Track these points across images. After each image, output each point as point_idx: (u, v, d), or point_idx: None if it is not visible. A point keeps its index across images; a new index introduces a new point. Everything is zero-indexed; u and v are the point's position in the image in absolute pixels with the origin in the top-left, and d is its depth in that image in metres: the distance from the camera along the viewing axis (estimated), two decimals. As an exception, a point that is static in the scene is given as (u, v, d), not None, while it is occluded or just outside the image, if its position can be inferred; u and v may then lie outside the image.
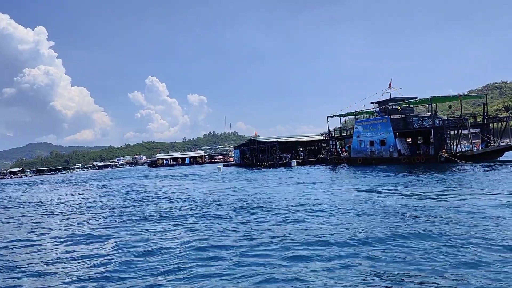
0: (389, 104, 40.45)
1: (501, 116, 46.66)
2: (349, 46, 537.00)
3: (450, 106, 40.59)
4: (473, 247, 7.54)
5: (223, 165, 77.50)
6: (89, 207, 20.00)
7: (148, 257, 8.80)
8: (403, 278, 6.22)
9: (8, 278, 8.12)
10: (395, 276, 6.34)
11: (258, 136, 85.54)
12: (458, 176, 21.29)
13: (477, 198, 13.13)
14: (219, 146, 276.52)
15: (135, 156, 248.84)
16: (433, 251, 7.45)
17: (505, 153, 32.30)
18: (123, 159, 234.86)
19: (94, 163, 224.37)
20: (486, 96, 39.07)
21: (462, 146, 32.40)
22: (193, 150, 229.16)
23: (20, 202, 27.43)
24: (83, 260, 9.02)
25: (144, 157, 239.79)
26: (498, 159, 31.64)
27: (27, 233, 13.43)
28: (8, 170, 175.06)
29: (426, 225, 9.62)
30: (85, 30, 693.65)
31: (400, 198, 14.67)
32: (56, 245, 11.10)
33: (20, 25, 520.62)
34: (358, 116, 47.14)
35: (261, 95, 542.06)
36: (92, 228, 13.23)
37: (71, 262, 9.02)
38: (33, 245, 11.25)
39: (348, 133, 48.61)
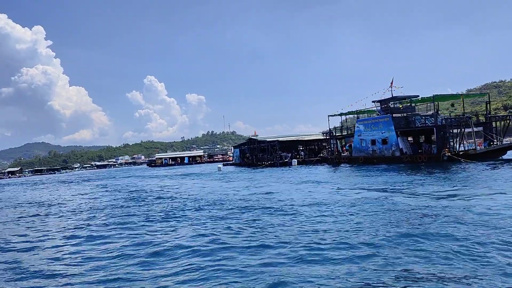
0: (390, 102, 40.25)
1: (504, 114, 46.49)
2: (347, 45, 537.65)
3: (452, 105, 40.42)
4: (492, 249, 7.31)
5: (223, 164, 77.28)
6: (92, 207, 19.70)
7: (155, 258, 8.56)
8: (424, 281, 5.97)
9: (13, 280, 7.86)
10: (415, 278, 6.10)
11: (257, 135, 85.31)
12: (463, 175, 21.08)
13: (488, 198, 12.89)
14: (218, 146, 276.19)
15: (134, 156, 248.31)
16: (451, 252, 7.21)
17: (508, 151, 32.15)
18: (122, 159, 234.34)
19: (93, 163, 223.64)
20: (488, 94, 38.93)
21: (464, 145, 32.24)
22: (192, 149, 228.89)
23: (21, 202, 27.12)
24: (87, 262, 8.76)
25: (142, 157, 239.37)
26: (501, 157, 31.50)
27: (30, 234, 13.15)
28: (6, 170, 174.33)
29: (442, 225, 9.34)
30: (83, 30, 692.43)
31: (409, 197, 14.43)
32: (61, 246, 10.82)
33: (18, 24, 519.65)
34: (360, 115, 46.93)
35: (260, 94, 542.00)
36: (96, 229, 12.95)
37: (76, 263, 8.75)
38: (37, 246, 10.98)
39: (349, 132, 48.46)
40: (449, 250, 7.32)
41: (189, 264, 7.87)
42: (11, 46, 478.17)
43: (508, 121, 33.12)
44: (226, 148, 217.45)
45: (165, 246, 9.59)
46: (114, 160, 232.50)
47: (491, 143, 32.35)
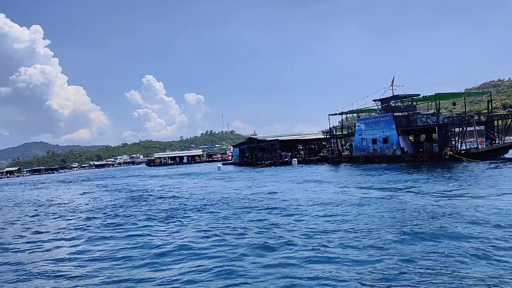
0: (391, 101, 40.12)
1: (503, 113, 46.43)
2: (345, 44, 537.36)
3: (454, 103, 40.32)
4: (509, 250, 7.16)
5: (222, 164, 77.11)
6: (94, 208, 19.48)
7: (160, 259, 8.39)
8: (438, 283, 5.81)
9: (19, 281, 7.69)
10: (429, 280, 5.94)
11: (256, 135, 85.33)
12: (468, 174, 20.97)
13: (497, 198, 12.76)
14: (217, 145, 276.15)
15: (132, 155, 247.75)
16: (467, 255, 7.05)
17: (510, 150, 32.05)
18: (120, 158, 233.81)
19: (91, 163, 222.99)
20: (490, 93, 38.86)
21: (465, 144, 32.14)
22: (191, 149, 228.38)
23: (22, 202, 26.89)
24: (91, 262, 8.56)
25: (141, 156, 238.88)
26: (503, 156, 31.41)
27: (32, 235, 12.94)
28: (4, 170, 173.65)
29: (454, 226, 9.17)
30: (81, 29, 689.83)
31: (416, 197, 14.28)
32: (63, 247, 10.62)
33: (16, 24, 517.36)
34: (360, 113, 46.81)
35: (259, 93, 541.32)
36: (99, 230, 12.73)
37: (78, 263, 8.56)
38: (39, 247, 10.79)
39: (350, 131, 48.35)
40: (465, 252, 7.16)
41: (196, 266, 7.70)
42: (9, 45, 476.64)
43: (510, 120, 33.01)
44: (225, 147, 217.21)
45: (170, 247, 9.41)
46: (112, 159, 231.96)
47: (493, 142, 32.26)
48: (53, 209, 20.44)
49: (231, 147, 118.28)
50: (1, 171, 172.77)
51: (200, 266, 7.67)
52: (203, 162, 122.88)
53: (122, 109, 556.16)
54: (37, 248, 10.79)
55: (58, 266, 8.70)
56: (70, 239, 11.58)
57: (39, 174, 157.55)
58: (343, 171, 32.20)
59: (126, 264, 8.25)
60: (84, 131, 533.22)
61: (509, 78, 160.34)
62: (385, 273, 6.43)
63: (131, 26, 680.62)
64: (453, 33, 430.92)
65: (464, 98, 36.68)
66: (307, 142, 62.26)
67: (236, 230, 10.72)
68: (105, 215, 16.12)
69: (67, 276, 7.84)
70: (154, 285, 6.80)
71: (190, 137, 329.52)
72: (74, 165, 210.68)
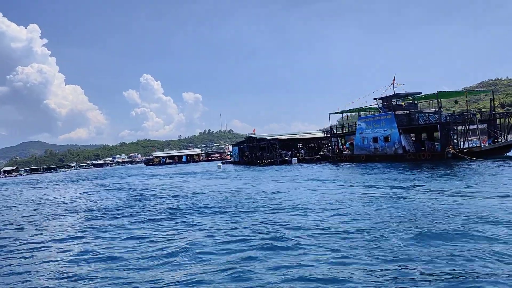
0: (393, 100, 39.95)
1: (502, 111, 46.36)
2: (344, 43, 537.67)
3: (456, 101, 40.20)
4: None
5: (222, 163, 76.90)
6: (97, 208, 19.21)
7: (168, 259, 8.18)
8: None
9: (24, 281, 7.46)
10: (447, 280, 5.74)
11: (254, 134, 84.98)
12: (473, 173, 20.81)
13: (507, 198, 12.58)
14: (215, 144, 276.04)
15: (130, 155, 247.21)
16: (483, 253, 6.87)
17: (512, 148, 31.94)
18: (118, 158, 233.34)
19: (89, 162, 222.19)
20: (492, 91, 38.76)
21: (467, 142, 31.98)
22: (189, 148, 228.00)
23: (22, 203, 26.60)
24: (94, 263, 8.34)
25: (139, 156, 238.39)
26: (505, 154, 31.29)
27: (34, 234, 12.68)
28: (2, 169, 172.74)
29: (472, 225, 8.95)
30: (79, 28, 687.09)
31: (424, 196, 14.07)
32: (65, 246, 10.38)
33: (13, 23, 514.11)
34: (361, 112, 46.65)
35: (257, 92, 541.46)
36: (102, 230, 12.49)
37: (81, 264, 8.34)
38: (41, 246, 10.55)
39: (350, 130, 48.19)
40: (490, 255, 6.96)
41: (202, 267, 7.47)
42: (6, 44, 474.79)
43: (512, 118, 32.88)
44: (223, 146, 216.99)
45: (175, 247, 9.20)
46: (110, 159, 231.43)
47: (495, 140, 32.14)
48: (53, 209, 20.17)
49: (230, 146, 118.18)
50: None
51: (207, 267, 7.46)
52: (201, 161, 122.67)
53: (120, 108, 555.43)
54: (37, 248, 10.55)
55: (58, 266, 8.51)
56: (70, 240, 11.34)
57: (37, 173, 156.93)
58: (345, 170, 32.02)
59: (131, 265, 8.02)
60: (82, 131, 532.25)
61: (507, 77, 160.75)
62: (402, 276, 6.23)
63: (129, 25, 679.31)
64: (452, 32, 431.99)
65: (466, 96, 36.56)
66: (307, 141, 62.09)
67: (243, 230, 10.48)
68: (107, 215, 15.86)
69: (67, 276, 7.69)
70: (164, 286, 6.59)
71: (188, 136, 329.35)
72: (72, 165, 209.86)
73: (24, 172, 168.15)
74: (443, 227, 8.91)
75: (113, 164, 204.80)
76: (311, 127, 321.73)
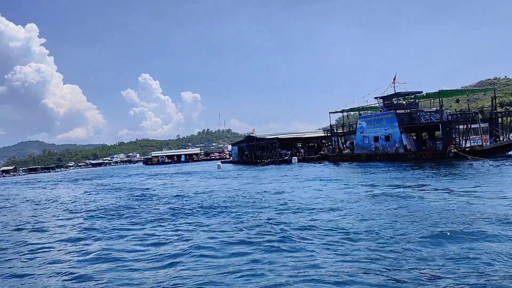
0: (394, 99, 39.80)
1: (501, 111, 46.27)
2: (344, 42, 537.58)
3: (457, 100, 40.10)
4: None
5: (221, 162, 76.70)
6: (98, 208, 18.96)
7: (171, 260, 7.99)
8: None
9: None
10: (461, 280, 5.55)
11: (253, 133, 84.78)
12: (475, 172, 20.66)
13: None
14: (214, 144, 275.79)
15: (129, 154, 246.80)
16: (495, 255, 6.68)
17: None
18: (117, 157, 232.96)
19: (88, 162, 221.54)
20: (494, 90, 38.65)
21: (469, 141, 31.87)
22: (187, 147, 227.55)
23: (21, 202, 26.32)
24: (97, 263, 8.13)
25: (138, 155, 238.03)
26: (507, 153, 31.20)
27: (34, 235, 12.45)
28: (0, 169, 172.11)
29: (481, 225, 8.79)
30: (77, 27, 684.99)
31: (428, 195, 13.88)
32: (66, 247, 10.16)
33: (11, 22, 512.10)
34: (362, 111, 46.49)
35: (255, 92, 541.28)
36: (104, 230, 12.25)
37: (83, 264, 8.12)
38: (41, 247, 10.32)
39: (351, 129, 48.02)
40: (505, 257, 6.78)
41: (208, 268, 7.28)
42: (4, 43, 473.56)
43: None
44: (222, 146, 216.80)
45: (178, 248, 9.01)
46: (109, 158, 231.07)
47: (497, 139, 32.02)
48: (53, 209, 19.92)
49: (229, 146, 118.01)
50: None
51: (213, 268, 7.27)
52: (200, 161, 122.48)
53: (118, 108, 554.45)
54: (37, 249, 10.33)
55: (58, 266, 8.35)
56: (70, 240, 11.11)
57: (35, 173, 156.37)
58: (347, 169, 31.84)
59: (134, 267, 7.82)
60: (80, 130, 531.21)
61: (505, 76, 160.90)
62: (413, 276, 6.03)
63: (127, 24, 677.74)
64: (451, 31, 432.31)
65: (468, 95, 36.43)
66: (307, 140, 61.92)
67: (248, 232, 10.26)
68: (108, 215, 15.61)
69: (68, 277, 7.54)
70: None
71: (186, 136, 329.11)
72: (71, 164, 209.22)
73: (22, 171, 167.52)
74: (455, 228, 8.71)
75: (112, 163, 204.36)
76: (310, 127, 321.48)
